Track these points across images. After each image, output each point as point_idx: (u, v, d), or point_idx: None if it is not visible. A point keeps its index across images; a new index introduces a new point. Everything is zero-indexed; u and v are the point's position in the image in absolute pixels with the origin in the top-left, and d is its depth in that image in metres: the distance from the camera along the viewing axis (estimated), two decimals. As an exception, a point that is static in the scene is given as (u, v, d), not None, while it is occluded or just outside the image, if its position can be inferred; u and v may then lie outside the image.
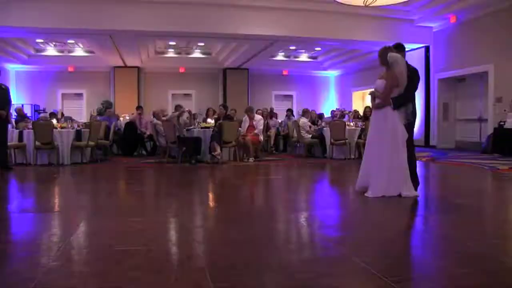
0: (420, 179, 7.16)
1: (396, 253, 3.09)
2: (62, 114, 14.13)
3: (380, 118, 5.27)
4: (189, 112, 10.70)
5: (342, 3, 10.42)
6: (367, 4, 9.77)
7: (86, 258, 2.88)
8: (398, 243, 3.37)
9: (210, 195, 5.99)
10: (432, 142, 14.48)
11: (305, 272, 2.57)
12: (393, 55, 5.24)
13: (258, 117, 10.79)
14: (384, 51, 5.31)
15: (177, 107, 10.27)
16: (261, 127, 10.51)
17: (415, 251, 3.14)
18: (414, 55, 15.21)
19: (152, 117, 10.90)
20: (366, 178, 5.31)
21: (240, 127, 10.46)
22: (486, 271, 2.60)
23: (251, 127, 10.48)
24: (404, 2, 10.82)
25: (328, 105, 21.41)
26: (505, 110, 11.59)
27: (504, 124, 11.06)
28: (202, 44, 17.70)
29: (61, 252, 2.98)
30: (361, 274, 2.57)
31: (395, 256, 3.00)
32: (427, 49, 14.61)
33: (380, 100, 5.27)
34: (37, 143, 9.12)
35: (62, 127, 9.90)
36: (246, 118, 10.74)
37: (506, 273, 2.61)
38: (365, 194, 5.16)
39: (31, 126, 9.43)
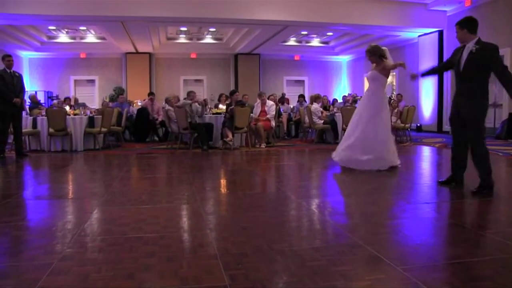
0: (432, 166, 7.14)
1: (408, 241, 3.09)
2: (76, 100, 14.16)
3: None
4: (203, 103, 10.65)
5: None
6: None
7: (100, 245, 2.92)
8: (411, 231, 3.36)
9: (222, 182, 6.02)
10: (446, 127, 14.35)
11: (316, 260, 2.59)
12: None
13: (270, 102, 10.76)
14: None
15: (190, 94, 10.26)
16: (273, 113, 10.49)
17: (427, 239, 3.12)
18: (427, 40, 15.07)
19: (164, 103, 10.93)
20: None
21: (252, 112, 10.45)
22: (499, 260, 2.59)
23: (263, 112, 10.47)
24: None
25: (340, 90, 21.31)
26: (520, 95, 11.42)
27: (520, 109, 10.92)
28: (213, 29, 17.65)
29: (75, 239, 3.04)
30: (372, 262, 2.57)
31: (407, 244, 3.00)
32: (440, 33, 14.40)
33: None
34: (50, 129, 9.23)
35: (75, 114, 9.99)
36: (258, 103, 10.73)
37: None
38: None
39: (44, 113, 9.52)
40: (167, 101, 10.75)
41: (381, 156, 6.19)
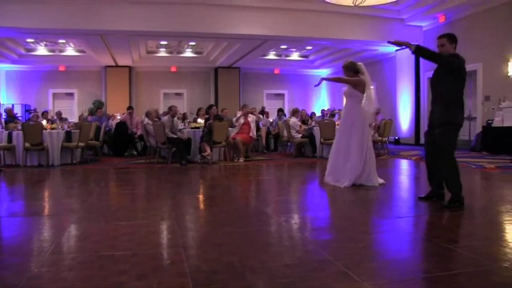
0: (408, 179, 7.23)
1: (379, 256, 3.14)
2: (59, 114, 13.72)
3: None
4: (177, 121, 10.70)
5: (331, 3, 10.49)
6: (356, 4, 9.82)
7: (71, 263, 2.90)
8: (382, 245, 3.42)
9: (199, 197, 6.01)
10: (422, 140, 14.56)
11: (287, 277, 2.61)
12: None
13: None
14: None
15: (172, 108, 10.21)
16: (255, 120, 10.57)
17: (398, 254, 3.17)
18: (404, 54, 15.32)
19: (144, 117, 10.88)
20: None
21: (231, 126, 10.46)
22: (465, 274, 2.65)
23: (246, 125, 10.38)
24: (394, 1, 10.89)
25: (319, 103, 21.51)
26: (493, 109, 11.70)
27: (492, 122, 11.17)
28: (193, 43, 17.71)
29: (46, 257, 3.01)
30: (341, 278, 2.60)
31: (377, 259, 3.05)
32: (417, 48, 14.68)
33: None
34: (26, 144, 9.09)
35: (52, 128, 9.88)
36: (241, 116, 10.63)
37: (488, 276, 2.65)
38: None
39: (20, 127, 9.39)
40: (147, 114, 10.72)
41: (343, 173, 6.19)
